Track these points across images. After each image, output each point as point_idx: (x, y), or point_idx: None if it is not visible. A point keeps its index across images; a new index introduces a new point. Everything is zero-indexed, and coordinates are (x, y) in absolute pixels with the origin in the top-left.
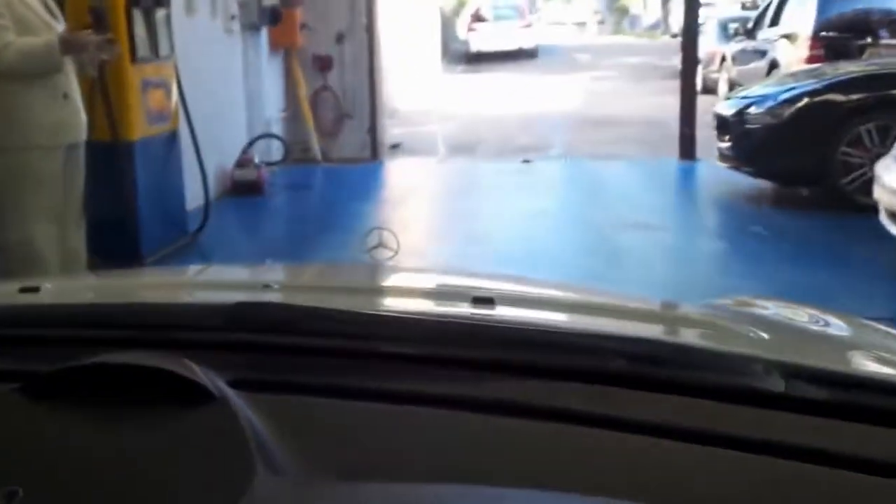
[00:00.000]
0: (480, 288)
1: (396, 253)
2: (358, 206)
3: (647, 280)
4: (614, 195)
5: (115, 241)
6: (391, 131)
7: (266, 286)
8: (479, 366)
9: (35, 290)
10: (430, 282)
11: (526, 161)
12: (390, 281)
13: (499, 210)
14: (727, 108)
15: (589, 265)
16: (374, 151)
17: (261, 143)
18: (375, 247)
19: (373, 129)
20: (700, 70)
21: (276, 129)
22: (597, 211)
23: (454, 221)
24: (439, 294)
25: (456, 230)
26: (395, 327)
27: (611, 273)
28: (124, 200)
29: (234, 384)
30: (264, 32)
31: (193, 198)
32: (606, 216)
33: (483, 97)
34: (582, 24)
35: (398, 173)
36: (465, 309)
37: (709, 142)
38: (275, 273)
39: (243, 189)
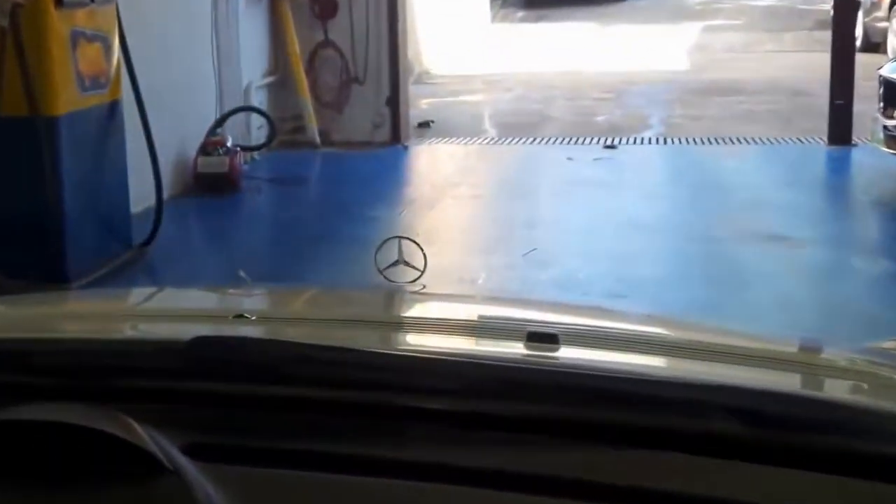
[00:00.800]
0: (538, 321)
1: (422, 274)
2: (370, 208)
3: (781, 314)
4: (736, 195)
5: (31, 255)
6: (419, 104)
7: (239, 316)
8: (534, 427)
9: None
10: (467, 312)
11: (610, 146)
12: (411, 311)
13: (571, 217)
14: None
15: (700, 295)
16: (394, 132)
17: (236, 121)
18: (393, 265)
19: (393, 101)
20: (860, 17)
21: (258, 100)
22: (711, 218)
23: (506, 233)
24: (481, 328)
25: (508, 246)
26: (416, 373)
27: (730, 305)
28: (44, 199)
29: (191, 451)
30: None
31: (141, 196)
32: (725, 225)
33: (549, 56)
34: None
35: (428, 163)
36: (515, 349)
37: (870, 118)
38: (252, 299)
39: (211, 184)
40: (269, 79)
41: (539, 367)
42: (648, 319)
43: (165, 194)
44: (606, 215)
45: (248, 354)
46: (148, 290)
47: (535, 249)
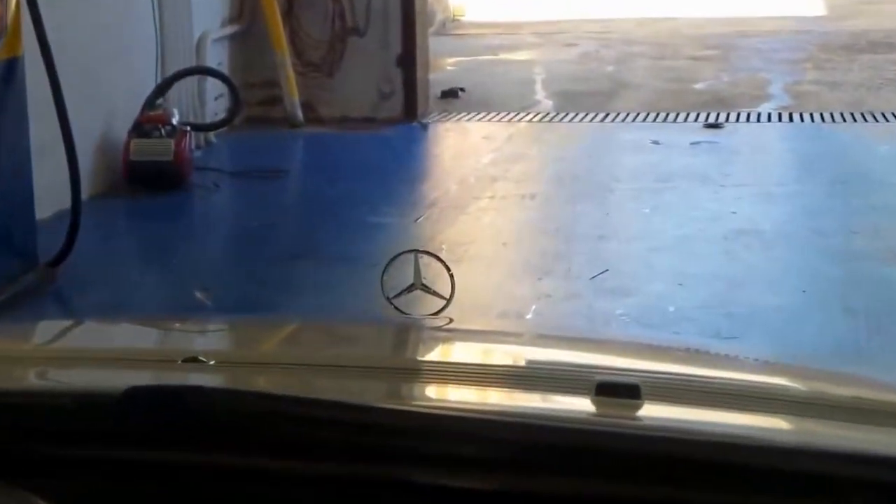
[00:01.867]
0: (611, 368)
1: (448, 303)
2: (374, 213)
3: None
4: (890, 193)
5: None
6: (443, 64)
7: (191, 359)
8: None
9: None
10: (512, 356)
11: (713, 125)
12: (431, 354)
13: (657, 226)
14: None
15: (838, 334)
16: (408, 104)
17: (184, 89)
18: (407, 291)
19: (407, 60)
20: None
21: (215, 59)
22: (854, 226)
23: (566, 248)
24: (530, 377)
25: (569, 266)
26: (434, 435)
27: (881, 348)
28: None
29: None
30: None
31: (51, 196)
32: (874, 236)
33: None
34: None
35: (456, 149)
36: (580, 406)
37: None
38: (208, 336)
39: (148, 178)
40: (231, 28)
41: (614, 431)
42: (767, 368)
43: (85, 193)
44: (708, 223)
45: (201, 410)
46: (62, 324)
47: (606, 271)
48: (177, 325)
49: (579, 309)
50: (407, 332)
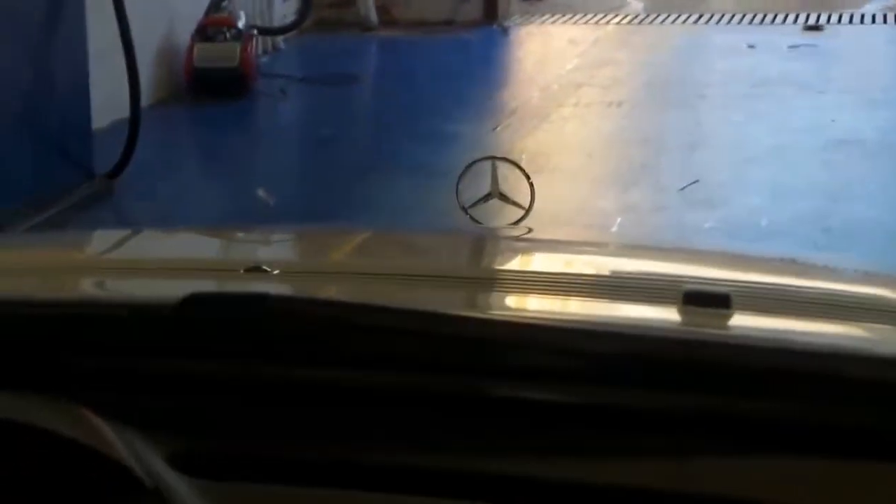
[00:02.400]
0: (701, 279)
1: (528, 213)
2: (450, 121)
3: None
4: None
5: None
6: None
7: (253, 269)
8: (697, 429)
9: None
10: (595, 265)
11: (813, 27)
12: (510, 263)
13: (752, 134)
14: None
15: None
16: (488, 6)
17: None
18: (483, 200)
19: None
20: None
21: None
22: None
23: (655, 159)
24: (615, 287)
25: (657, 177)
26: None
27: None
28: None
29: (182, 462)
30: None
31: (109, 104)
32: None
33: None
34: None
35: (538, 53)
36: (667, 315)
37: None
38: (273, 246)
39: (212, 85)
40: None
41: (703, 339)
42: (864, 278)
43: (145, 100)
44: (806, 132)
45: (266, 319)
46: (119, 234)
47: (696, 182)
48: (240, 234)
49: (667, 222)
50: (483, 242)
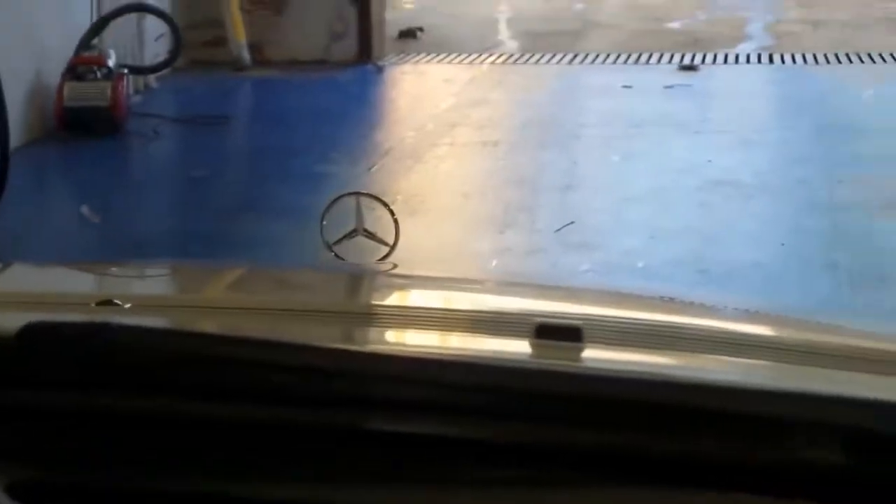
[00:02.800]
0: (557, 313)
1: (392, 250)
2: (323, 162)
3: None
4: (876, 142)
5: None
6: (401, 3)
7: (105, 302)
8: (548, 458)
9: None
10: (456, 300)
11: (688, 67)
12: (372, 296)
13: (628, 175)
14: None
15: (820, 291)
16: (362, 45)
17: (122, 28)
18: (348, 237)
19: None
20: None
21: None
22: (838, 175)
23: (531, 199)
24: (471, 320)
25: (533, 218)
26: (368, 378)
27: (864, 306)
28: None
29: (20, 490)
30: None
31: None
32: (858, 187)
33: None
34: None
35: (414, 92)
36: (520, 347)
37: None
38: (133, 280)
39: (82, 124)
40: None
41: (552, 370)
42: (725, 313)
43: (17, 140)
44: (682, 172)
45: (106, 348)
46: None
47: (572, 223)
48: (112, 269)
49: (543, 265)
50: (346, 277)
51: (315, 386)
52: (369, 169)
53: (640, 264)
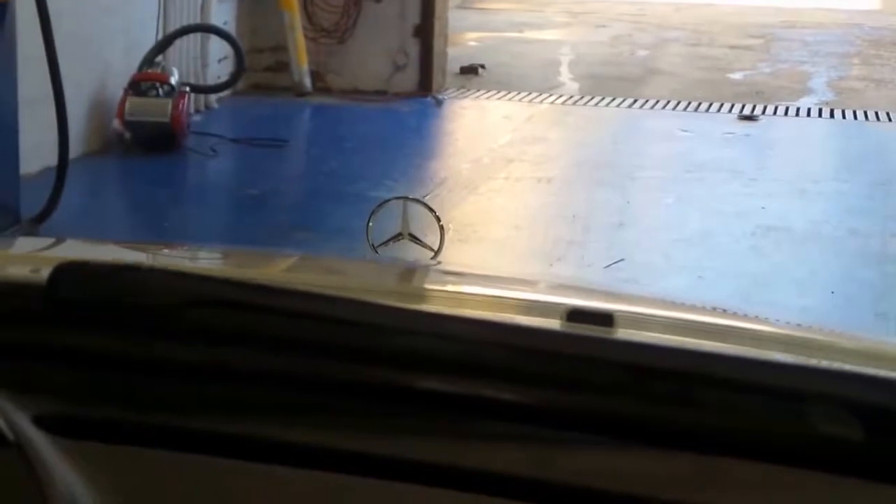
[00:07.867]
0: (590, 306)
1: (437, 254)
2: (378, 188)
3: None
4: None
5: None
6: (464, 39)
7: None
8: (567, 420)
9: None
10: (494, 290)
11: (748, 117)
12: (417, 283)
13: (681, 217)
14: None
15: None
16: (423, 78)
17: (186, 49)
18: (393, 240)
19: (424, 31)
20: None
21: (222, 17)
22: (894, 230)
23: (582, 235)
24: (504, 304)
25: (584, 253)
26: (398, 334)
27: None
28: None
29: (46, 422)
30: None
31: (38, 152)
32: None
33: None
34: None
35: (472, 126)
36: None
37: None
38: (177, 258)
39: (143, 139)
40: None
41: (584, 337)
42: (794, 328)
43: (76, 151)
44: (735, 217)
45: (134, 289)
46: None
47: (622, 260)
48: (157, 248)
49: None
50: (394, 268)
51: (351, 338)
52: (424, 196)
53: (686, 302)
